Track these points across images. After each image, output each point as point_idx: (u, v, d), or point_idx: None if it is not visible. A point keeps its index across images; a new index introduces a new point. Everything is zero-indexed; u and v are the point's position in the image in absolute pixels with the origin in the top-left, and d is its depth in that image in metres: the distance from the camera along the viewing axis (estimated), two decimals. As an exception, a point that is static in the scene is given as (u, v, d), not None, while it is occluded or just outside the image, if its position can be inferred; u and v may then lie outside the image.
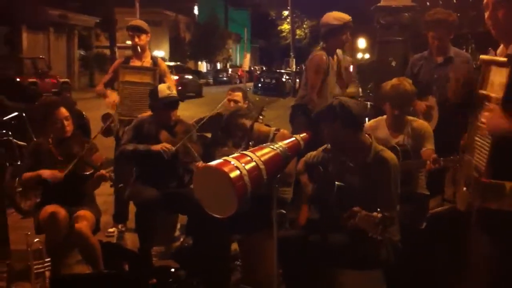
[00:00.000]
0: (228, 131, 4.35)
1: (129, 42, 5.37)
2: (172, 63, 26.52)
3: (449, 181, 5.05)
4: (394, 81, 3.89)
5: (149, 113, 4.63)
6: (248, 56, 26.80)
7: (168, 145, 4.20)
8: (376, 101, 5.93)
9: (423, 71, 4.75)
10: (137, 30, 5.23)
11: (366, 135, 3.23)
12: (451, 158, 3.45)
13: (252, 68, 44.17)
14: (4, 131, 5.65)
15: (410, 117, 3.88)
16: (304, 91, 4.99)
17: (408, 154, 3.63)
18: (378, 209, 2.73)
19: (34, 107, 4.47)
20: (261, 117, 4.15)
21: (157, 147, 4.20)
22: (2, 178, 4.87)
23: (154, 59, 5.36)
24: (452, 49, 4.70)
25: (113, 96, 5.14)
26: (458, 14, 6.30)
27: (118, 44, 28.54)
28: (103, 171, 3.88)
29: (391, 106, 3.84)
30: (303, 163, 3.58)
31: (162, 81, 5.13)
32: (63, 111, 3.93)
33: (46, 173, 3.79)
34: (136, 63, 5.28)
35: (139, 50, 5.22)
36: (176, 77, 23.09)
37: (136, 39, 5.19)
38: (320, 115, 3.25)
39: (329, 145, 3.39)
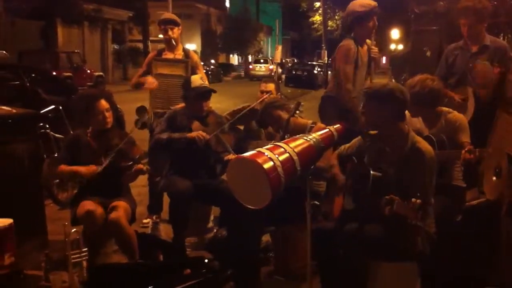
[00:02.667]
0: (264, 123, 4.36)
1: (161, 36, 5.42)
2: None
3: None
4: (411, 80, 3.80)
5: (182, 105, 4.67)
6: (279, 48, 26.67)
7: (204, 133, 4.24)
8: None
9: (459, 61, 4.66)
10: (171, 23, 5.26)
11: (405, 124, 3.20)
12: (487, 150, 3.38)
13: (284, 61, 44.02)
14: (41, 124, 5.75)
15: (444, 108, 3.80)
16: (334, 82, 4.92)
17: (443, 144, 3.56)
18: (418, 194, 2.71)
19: (75, 100, 4.54)
20: (297, 112, 4.14)
21: (192, 135, 4.24)
22: (39, 170, 4.97)
23: (186, 51, 5.38)
24: (488, 37, 4.59)
25: (150, 78, 5.18)
26: (495, 2, 6.15)
27: (151, 38, 28.84)
28: (141, 165, 3.93)
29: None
30: (336, 155, 3.57)
31: (194, 73, 5.14)
32: (104, 103, 3.99)
33: (82, 170, 3.85)
34: (168, 55, 5.31)
35: (174, 43, 5.26)
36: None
37: (170, 32, 5.22)
38: (372, 94, 3.17)
39: (367, 131, 3.36)
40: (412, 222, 2.70)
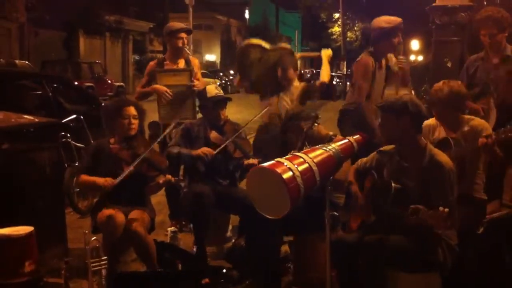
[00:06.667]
0: (287, 132, 4.38)
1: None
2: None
3: (508, 186, 4.88)
4: (437, 85, 3.80)
5: (188, 116, 4.80)
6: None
7: (209, 150, 4.27)
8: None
9: (480, 72, 4.63)
10: (189, 32, 5.30)
11: (422, 137, 3.21)
12: (502, 129, 3.34)
13: (303, 71, 43.98)
14: (63, 132, 5.82)
15: (467, 116, 3.78)
16: (352, 94, 4.93)
17: (460, 146, 3.54)
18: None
19: (107, 104, 4.62)
20: (315, 125, 4.15)
21: (197, 152, 4.27)
22: (61, 178, 5.02)
23: (186, 59, 5.32)
24: (510, 47, 4.56)
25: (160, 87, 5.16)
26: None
27: (171, 49, 29.01)
28: (169, 176, 3.97)
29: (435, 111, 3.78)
30: (353, 171, 3.54)
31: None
32: (133, 109, 4.03)
33: (100, 180, 3.87)
34: (170, 65, 5.25)
35: (187, 51, 5.27)
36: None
37: (185, 41, 5.24)
38: (387, 107, 3.19)
39: (384, 147, 3.35)
40: (439, 231, 2.70)
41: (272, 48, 5.32)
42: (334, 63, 42.39)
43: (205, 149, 4.28)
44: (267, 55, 5.23)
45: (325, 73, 5.30)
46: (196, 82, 5.10)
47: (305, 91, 5.11)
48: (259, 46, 5.32)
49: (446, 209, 2.69)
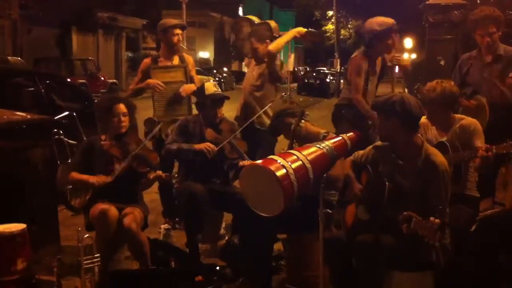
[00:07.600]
0: (276, 130, 4.39)
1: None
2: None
3: (500, 184, 4.92)
4: (430, 84, 3.80)
5: (183, 113, 4.78)
6: (292, 56, 26.61)
7: (211, 145, 4.25)
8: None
9: (472, 71, 4.64)
10: (183, 28, 5.30)
11: (419, 135, 3.20)
12: (503, 144, 3.35)
13: (296, 69, 43.93)
14: (56, 130, 5.79)
15: (458, 115, 3.79)
16: (347, 91, 4.97)
17: (457, 149, 3.55)
18: (437, 215, 2.71)
19: (99, 101, 4.61)
20: (302, 121, 4.13)
21: (200, 146, 4.24)
22: (53, 175, 4.99)
23: (180, 56, 5.30)
24: (502, 46, 4.58)
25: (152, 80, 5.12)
26: (510, 12, 6.14)
27: (164, 46, 28.95)
28: (159, 172, 3.96)
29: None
30: (350, 162, 3.55)
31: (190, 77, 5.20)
32: (122, 107, 4.02)
33: (92, 179, 3.87)
34: (164, 62, 5.23)
35: (182, 46, 5.27)
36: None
37: (180, 38, 5.22)
38: (377, 107, 3.21)
39: (379, 142, 3.35)
40: (429, 242, 2.69)
41: (258, 23, 5.47)
42: (328, 61, 42.54)
43: (208, 145, 4.25)
44: (255, 30, 5.33)
45: (274, 43, 5.12)
46: (181, 89, 5.08)
47: (264, 70, 5.15)
48: (249, 20, 5.51)
49: (437, 221, 2.66)
